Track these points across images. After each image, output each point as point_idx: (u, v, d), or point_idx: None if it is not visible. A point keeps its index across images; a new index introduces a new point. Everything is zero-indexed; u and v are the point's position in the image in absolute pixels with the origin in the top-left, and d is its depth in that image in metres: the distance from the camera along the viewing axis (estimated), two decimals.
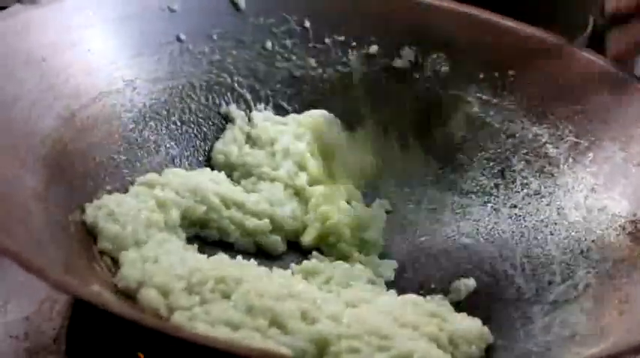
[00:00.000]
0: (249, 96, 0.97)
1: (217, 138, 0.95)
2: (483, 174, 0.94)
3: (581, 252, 0.83)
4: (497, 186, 0.92)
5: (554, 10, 1.09)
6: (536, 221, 0.88)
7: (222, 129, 0.95)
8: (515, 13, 0.96)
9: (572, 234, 0.85)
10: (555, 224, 0.87)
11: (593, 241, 0.83)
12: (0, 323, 0.78)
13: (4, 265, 0.81)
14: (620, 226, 0.82)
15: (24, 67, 0.80)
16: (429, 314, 0.78)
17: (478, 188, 0.93)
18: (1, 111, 0.75)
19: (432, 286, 0.86)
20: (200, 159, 0.93)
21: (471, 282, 0.85)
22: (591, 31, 1.15)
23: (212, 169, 0.92)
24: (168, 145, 0.91)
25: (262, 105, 0.97)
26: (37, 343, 0.77)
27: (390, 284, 0.86)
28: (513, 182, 0.92)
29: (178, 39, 0.93)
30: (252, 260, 0.83)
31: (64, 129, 0.80)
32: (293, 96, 0.98)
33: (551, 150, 0.90)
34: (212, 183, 0.87)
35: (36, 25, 0.83)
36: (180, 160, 0.91)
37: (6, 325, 0.78)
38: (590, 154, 0.88)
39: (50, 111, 0.80)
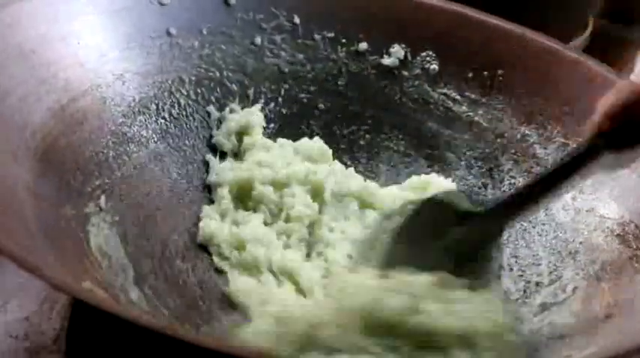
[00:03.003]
0: (237, 92, 0.96)
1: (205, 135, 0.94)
2: (471, 173, 0.94)
3: (569, 253, 0.83)
4: (485, 185, 0.93)
5: (554, 10, 1.10)
6: (524, 221, 0.88)
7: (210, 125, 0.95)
8: (514, 14, 0.96)
9: (560, 234, 0.85)
10: (543, 224, 0.87)
11: (580, 243, 0.83)
12: (0, 323, 0.78)
13: (4, 265, 0.80)
14: (607, 228, 0.82)
15: (15, 60, 0.79)
16: None
17: (466, 187, 0.94)
18: None
19: None
20: (187, 154, 0.92)
21: None
22: (591, 31, 1.16)
23: None
24: (157, 140, 0.90)
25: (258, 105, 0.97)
26: (37, 343, 0.77)
27: None
28: (501, 181, 0.92)
29: (168, 33, 0.93)
30: None
31: (54, 123, 0.80)
32: (281, 92, 0.97)
33: (539, 151, 0.91)
34: None
35: (26, 18, 0.82)
36: (169, 155, 0.90)
37: (6, 325, 0.78)
38: None
39: (41, 104, 0.79)
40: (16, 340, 0.77)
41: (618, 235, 0.81)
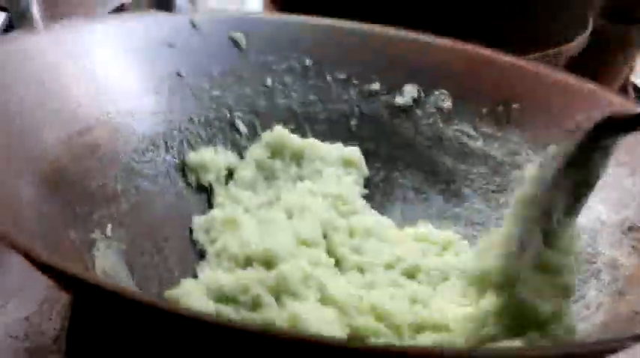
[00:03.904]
0: (248, 132, 0.95)
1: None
2: (489, 207, 0.92)
3: (591, 273, 0.80)
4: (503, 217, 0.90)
5: (554, 10, 1.09)
6: None
7: None
8: (516, 14, 0.95)
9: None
10: None
11: (603, 263, 0.81)
12: (0, 323, 0.78)
13: (5, 265, 0.81)
14: (627, 243, 0.80)
15: (26, 87, 0.79)
16: None
17: (484, 219, 0.92)
18: (1, 124, 0.74)
19: None
20: (199, 193, 0.91)
21: None
22: (591, 31, 1.15)
23: None
24: (165, 176, 0.89)
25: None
26: (37, 343, 0.76)
27: None
28: None
29: (178, 74, 0.93)
30: None
31: (61, 152, 0.79)
32: (294, 132, 0.96)
33: None
34: None
35: (41, 49, 0.83)
36: (178, 191, 0.89)
37: (6, 325, 0.78)
38: None
39: (49, 132, 0.79)
40: (16, 340, 0.76)
41: (635, 248, 0.78)
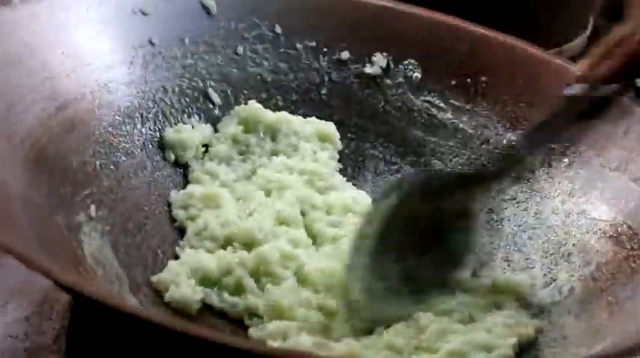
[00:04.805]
0: (221, 102, 0.95)
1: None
2: None
3: (562, 255, 0.83)
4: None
5: (554, 10, 1.10)
6: (514, 226, 0.89)
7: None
8: (517, 14, 0.96)
9: (552, 238, 0.85)
10: (534, 228, 0.87)
11: (574, 245, 0.84)
12: (0, 323, 0.77)
13: (5, 265, 0.80)
14: (600, 230, 0.83)
15: (2, 67, 0.78)
16: None
17: None
18: None
19: None
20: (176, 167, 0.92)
21: None
22: (591, 30, 1.16)
23: None
24: (142, 149, 0.89)
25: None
26: (37, 343, 0.76)
27: None
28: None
29: (151, 42, 0.92)
30: None
31: (41, 131, 0.79)
32: (265, 102, 0.96)
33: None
34: None
35: (11, 27, 0.81)
36: (155, 164, 0.89)
37: (6, 325, 0.77)
38: (566, 159, 0.89)
39: (28, 112, 0.78)
40: (16, 340, 0.76)
41: (611, 236, 0.82)
